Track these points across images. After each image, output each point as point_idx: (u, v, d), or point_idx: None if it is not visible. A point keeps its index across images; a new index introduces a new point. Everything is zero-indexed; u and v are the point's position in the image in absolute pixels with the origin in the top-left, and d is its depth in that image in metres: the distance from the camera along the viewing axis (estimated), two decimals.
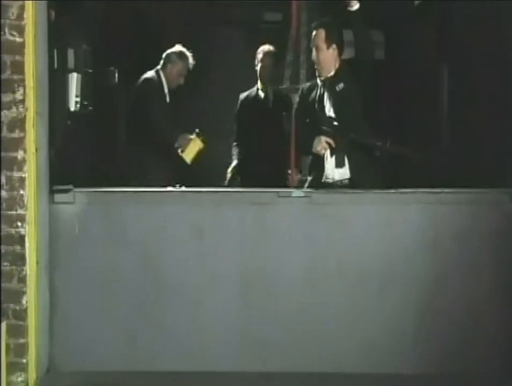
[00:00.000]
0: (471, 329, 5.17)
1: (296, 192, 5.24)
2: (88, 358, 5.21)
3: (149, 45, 9.52)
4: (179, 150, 6.41)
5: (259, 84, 6.87)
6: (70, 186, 5.12)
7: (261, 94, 6.87)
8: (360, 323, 5.19)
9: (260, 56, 6.79)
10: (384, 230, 5.19)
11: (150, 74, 6.59)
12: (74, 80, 5.84)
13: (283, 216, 5.20)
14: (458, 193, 5.27)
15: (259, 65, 6.79)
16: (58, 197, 5.11)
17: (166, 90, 6.60)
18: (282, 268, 5.17)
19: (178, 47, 6.68)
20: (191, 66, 6.66)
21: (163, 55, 6.68)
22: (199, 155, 6.46)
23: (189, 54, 6.66)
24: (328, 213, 5.21)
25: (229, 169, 6.89)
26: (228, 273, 5.17)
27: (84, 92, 6.08)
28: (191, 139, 6.41)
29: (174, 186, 5.49)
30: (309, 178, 5.61)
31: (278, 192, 5.24)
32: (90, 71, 6.25)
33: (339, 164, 5.50)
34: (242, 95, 6.96)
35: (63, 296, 5.15)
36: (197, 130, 6.44)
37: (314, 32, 5.57)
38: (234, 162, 6.89)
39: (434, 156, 7.10)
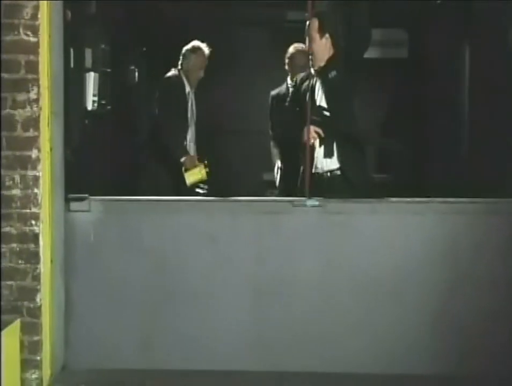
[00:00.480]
0: (485, 341, 5.11)
1: (310, 201, 5.20)
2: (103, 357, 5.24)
3: (171, 44, 9.62)
4: (183, 168, 6.37)
5: (289, 82, 6.83)
6: (86, 195, 5.15)
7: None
8: (374, 330, 5.16)
9: (290, 53, 6.72)
10: (399, 239, 5.15)
11: (171, 73, 6.58)
12: (91, 79, 5.87)
13: (297, 225, 5.18)
14: (473, 203, 5.21)
15: (289, 62, 6.74)
16: (73, 205, 5.14)
17: (187, 89, 6.57)
18: (296, 276, 5.16)
19: (192, 43, 6.64)
20: (207, 58, 6.62)
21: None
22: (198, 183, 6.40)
23: (203, 46, 6.62)
24: (342, 222, 5.18)
25: (276, 170, 6.84)
26: (242, 281, 5.18)
27: (102, 91, 6.10)
28: (197, 166, 6.35)
29: (201, 188, 5.52)
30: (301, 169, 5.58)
31: (292, 201, 5.22)
32: (108, 70, 6.25)
33: (328, 154, 5.47)
34: (273, 93, 6.90)
35: (78, 302, 5.18)
36: (205, 161, 6.38)
37: (307, 22, 5.51)
38: (278, 163, 6.80)
39: (452, 164, 7.08)
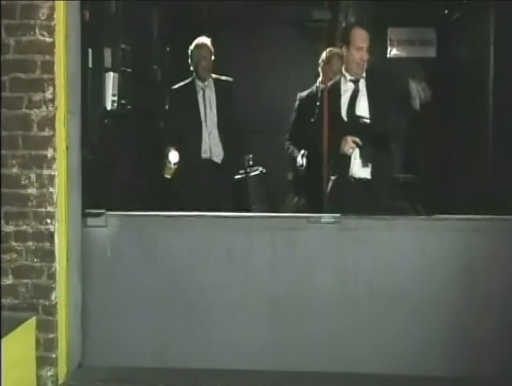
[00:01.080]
0: (506, 361, 5.04)
1: (326, 218, 5.18)
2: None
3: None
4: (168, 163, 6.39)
5: (320, 85, 6.78)
6: (102, 210, 5.19)
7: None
8: (390, 347, 5.12)
9: (325, 57, 6.68)
10: (415, 257, 5.11)
11: (181, 84, 6.65)
12: (110, 79, 5.90)
13: (313, 242, 5.17)
14: (491, 220, 5.18)
15: (323, 65, 6.68)
16: (90, 221, 5.19)
17: (198, 87, 6.58)
18: (312, 292, 5.15)
19: (195, 41, 6.62)
20: (211, 49, 6.57)
21: None
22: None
23: (204, 41, 6.57)
24: (358, 238, 5.15)
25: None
26: (258, 296, 5.18)
27: (122, 91, 6.13)
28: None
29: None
30: (332, 178, 5.57)
31: (308, 217, 5.21)
32: (129, 70, 6.28)
33: (365, 164, 5.47)
34: (302, 94, 6.85)
35: (96, 315, 5.23)
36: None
37: (358, 32, 5.48)
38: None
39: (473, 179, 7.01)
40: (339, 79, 5.57)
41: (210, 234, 5.19)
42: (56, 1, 4.83)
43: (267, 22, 9.60)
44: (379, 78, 5.52)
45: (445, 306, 5.09)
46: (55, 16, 4.80)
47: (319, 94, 6.43)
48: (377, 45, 9.44)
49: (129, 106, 6.32)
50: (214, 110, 6.53)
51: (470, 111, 8.13)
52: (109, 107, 5.94)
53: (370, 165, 5.49)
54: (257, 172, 7.42)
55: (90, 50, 5.55)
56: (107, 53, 5.95)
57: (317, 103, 6.15)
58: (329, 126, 5.54)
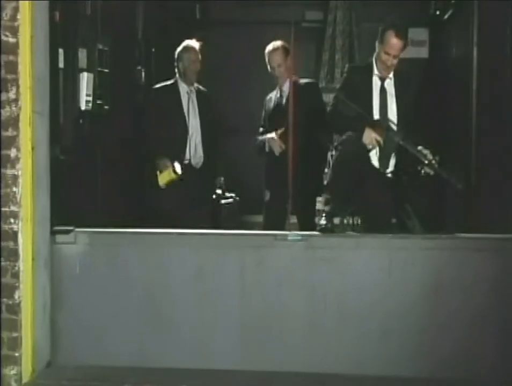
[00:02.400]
0: (473, 379, 5.03)
1: (292, 236, 5.20)
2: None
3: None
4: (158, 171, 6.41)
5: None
6: (71, 227, 5.23)
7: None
8: (359, 366, 5.12)
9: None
10: (383, 275, 5.11)
11: (163, 83, 6.64)
12: (84, 79, 5.90)
13: (280, 259, 5.18)
14: (460, 239, 5.23)
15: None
16: (59, 238, 5.23)
17: (184, 90, 6.58)
18: (280, 311, 5.17)
19: (183, 44, 6.64)
20: (199, 52, 6.58)
21: None
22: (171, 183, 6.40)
23: (194, 44, 6.57)
24: (325, 257, 5.16)
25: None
26: (227, 313, 5.20)
27: (99, 91, 6.13)
28: (168, 167, 6.36)
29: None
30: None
31: (275, 235, 5.22)
32: (106, 70, 6.29)
33: (382, 167, 5.46)
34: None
35: (65, 333, 5.27)
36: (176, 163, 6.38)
37: (397, 40, 5.44)
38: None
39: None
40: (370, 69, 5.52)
41: (179, 250, 5.23)
42: (21, 2, 4.84)
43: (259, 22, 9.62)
44: (407, 83, 5.58)
45: (413, 325, 5.09)
46: (18, 17, 4.83)
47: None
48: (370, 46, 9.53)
49: (106, 107, 6.29)
50: (198, 117, 6.56)
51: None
52: (83, 107, 5.92)
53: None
54: (230, 200, 7.40)
55: (62, 51, 5.56)
56: (82, 53, 5.93)
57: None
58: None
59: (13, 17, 4.81)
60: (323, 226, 5.34)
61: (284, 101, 6.34)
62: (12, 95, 4.83)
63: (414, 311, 5.07)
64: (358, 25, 9.28)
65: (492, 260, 5.05)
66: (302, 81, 6.43)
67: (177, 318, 5.22)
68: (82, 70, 5.95)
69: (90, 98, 6.01)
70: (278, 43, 6.52)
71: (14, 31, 4.82)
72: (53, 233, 5.20)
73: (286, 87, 6.37)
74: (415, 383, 5.04)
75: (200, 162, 6.56)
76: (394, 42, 5.39)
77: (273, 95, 6.57)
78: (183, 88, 6.60)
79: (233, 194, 7.69)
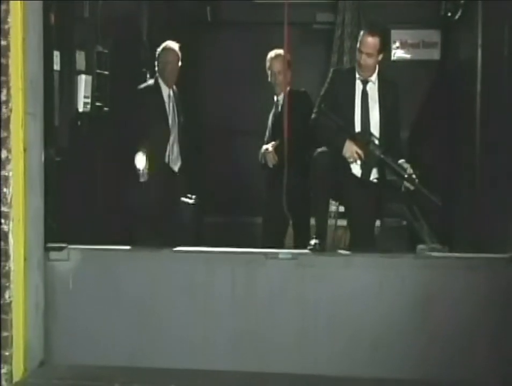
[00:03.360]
0: None
1: (283, 254, 5.23)
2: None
3: (192, 47, 9.70)
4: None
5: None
6: (64, 245, 5.31)
7: None
8: (350, 383, 5.08)
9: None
10: (372, 293, 5.11)
11: (145, 84, 6.63)
12: (82, 81, 5.96)
13: (271, 277, 5.20)
14: (449, 258, 5.23)
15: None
16: (52, 255, 5.30)
17: (165, 92, 6.52)
18: (271, 328, 5.18)
19: (162, 44, 6.57)
20: (178, 54, 6.52)
21: None
22: None
23: (173, 45, 6.51)
24: (316, 275, 5.17)
25: None
26: (218, 330, 5.23)
27: (98, 93, 6.18)
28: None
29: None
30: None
31: (266, 253, 5.26)
32: (106, 72, 6.34)
33: (364, 175, 5.45)
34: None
35: (59, 350, 5.33)
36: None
37: (367, 38, 5.43)
38: None
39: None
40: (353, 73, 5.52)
41: (170, 267, 5.29)
42: (12, 4, 4.89)
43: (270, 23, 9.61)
44: (390, 88, 5.52)
45: (403, 343, 5.08)
46: (9, 19, 4.87)
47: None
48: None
49: (106, 109, 6.34)
50: (181, 118, 6.54)
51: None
52: (81, 109, 5.97)
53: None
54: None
55: (58, 53, 5.62)
56: (80, 56, 5.99)
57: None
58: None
59: (4, 20, 4.87)
60: (313, 245, 5.34)
61: (279, 111, 6.29)
62: (2, 96, 4.88)
63: (404, 329, 5.07)
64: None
65: (481, 279, 5.03)
66: (294, 90, 6.36)
67: (169, 334, 5.26)
68: (80, 72, 6.00)
69: (88, 100, 6.05)
70: (280, 51, 6.46)
71: (5, 34, 4.87)
72: (46, 250, 5.29)
73: (281, 96, 6.32)
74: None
75: (178, 165, 6.52)
76: (367, 39, 5.40)
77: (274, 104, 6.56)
78: (164, 89, 6.55)
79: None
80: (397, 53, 9.84)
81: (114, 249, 5.39)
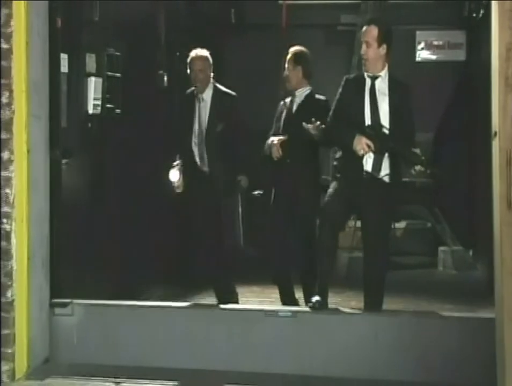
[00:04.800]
0: None
1: (283, 312, 5.29)
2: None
3: (216, 49, 9.75)
4: None
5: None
6: (69, 300, 5.44)
7: None
8: None
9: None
10: (371, 351, 5.10)
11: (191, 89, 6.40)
12: (92, 83, 6.04)
13: (269, 335, 5.23)
14: (446, 318, 5.26)
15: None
16: (57, 310, 5.43)
17: (198, 97, 6.25)
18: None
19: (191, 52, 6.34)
20: (206, 59, 6.24)
21: None
22: None
23: (201, 53, 6.25)
24: (314, 333, 5.20)
25: None
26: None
27: (109, 95, 6.27)
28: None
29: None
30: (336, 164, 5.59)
31: (264, 311, 5.33)
32: (117, 75, 6.42)
33: (375, 170, 5.44)
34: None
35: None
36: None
37: (364, 28, 5.48)
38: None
39: None
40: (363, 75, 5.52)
41: (171, 323, 5.38)
42: (15, 9, 4.99)
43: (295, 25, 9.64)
44: (400, 86, 5.50)
45: None
46: (11, 23, 4.97)
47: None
48: (400, 49, 9.44)
49: (118, 111, 6.42)
50: (205, 123, 6.22)
51: None
52: (91, 111, 6.06)
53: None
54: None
55: (66, 56, 5.70)
56: (90, 58, 6.08)
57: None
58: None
59: (6, 24, 4.96)
60: (314, 303, 5.36)
61: (294, 108, 6.24)
62: (4, 99, 4.98)
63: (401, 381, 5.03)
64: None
65: (476, 340, 4.95)
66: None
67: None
68: (90, 74, 6.08)
69: (99, 102, 6.13)
70: (296, 48, 6.41)
71: (7, 38, 4.96)
72: (51, 306, 5.42)
73: (298, 92, 6.29)
74: None
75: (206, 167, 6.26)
76: (364, 29, 5.42)
77: (287, 100, 6.48)
78: (197, 94, 6.32)
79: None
80: (422, 54, 9.81)
81: (116, 304, 5.57)
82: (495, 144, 4.35)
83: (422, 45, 9.82)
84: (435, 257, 8.97)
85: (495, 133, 4.33)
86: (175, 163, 6.13)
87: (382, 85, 5.43)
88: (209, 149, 6.16)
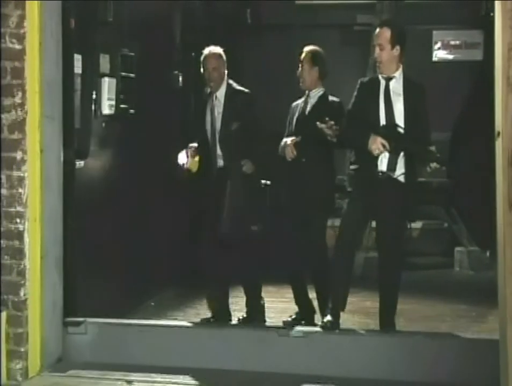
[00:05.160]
0: None
1: (295, 332, 5.33)
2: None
3: (232, 49, 9.76)
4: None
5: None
6: (82, 319, 5.51)
7: None
8: None
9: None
10: (382, 370, 5.11)
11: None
12: (106, 84, 6.08)
13: (281, 353, 5.26)
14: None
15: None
16: (71, 329, 5.49)
17: (211, 96, 6.18)
18: None
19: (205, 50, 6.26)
20: (219, 57, 6.15)
21: None
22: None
23: (214, 51, 6.17)
24: (326, 353, 5.22)
25: None
26: None
27: (123, 96, 6.31)
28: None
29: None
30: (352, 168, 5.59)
31: (277, 329, 5.39)
32: (131, 75, 6.45)
33: (390, 168, 5.43)
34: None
35: None
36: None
37: (377, 31, 5.50)
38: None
39: None
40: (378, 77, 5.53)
41: (183, 343, 5.42)
42: (28, 10, 5.03)
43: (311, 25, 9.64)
44: (415, 87, 5.50)
45: None
46: (24, 24, 5.01)
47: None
48: (417, 49, 9.41)
49: (132, 111, 6.45)
50: (219, 122, 6.13)
51: None
52: (105, 111, 6.10)
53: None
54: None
55: (80, 56, 5.74)
56: (104, 59, 6.11)
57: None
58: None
59: (19, 25, 5.01)
60: (325, 323, 5.38)
61: (307, 109, 6.18)
62: (17, 99, 5.03)
63: None
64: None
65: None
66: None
67: None
68: (104, 75, 6.12)
69: (113, 103, 6.17)
70: (312, 48, 6.35)
71: (20, 38, 5.01)
72: (65, 325, 5.48)
73: (313, 94, 6.26)
74: None
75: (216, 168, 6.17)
76: (377, 31, 5.45)
77: (300, 101, 6.45)
78: (211, 93, 6.23)
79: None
80: (439, 54, 9.77)
81: (128, 323, 5.64)
82: (498, 144, 4.34)
83: (439, 45, 9.77)
84: (451, 257, 8.91)
85: (498, 133, 4.34)
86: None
87: (396, 86, 5.43)
88: (224, 148, 6.10)
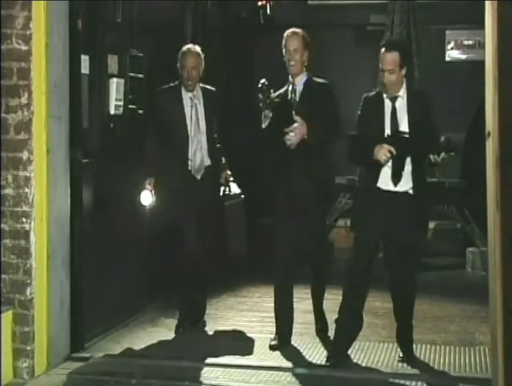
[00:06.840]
0: None
1: (300, 370, 5.36)
2: None
3: (245, 49, 9.79)
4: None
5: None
6: (89, 355, 5.56)
7: None
8: None
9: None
10: None
11: (166, 85, 6.21)
12: (114, 84, 6.11)
13: None
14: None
15: None
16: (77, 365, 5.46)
17: (186, 95, 6.12)
18: None
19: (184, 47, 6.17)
20: (199, 57, 6.09)
21: None
22: None
23: (192, 47, 6.13)
24: None
25: None
26: None
27: (131, 96, 6.34)
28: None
29: None
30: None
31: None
32: (140, 75, 6.48)
33: (395, 176, 5.40)
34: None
35: None
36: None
37: (386, 55, 5.32)
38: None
39: None
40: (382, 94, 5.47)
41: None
42: (35, 11, 5.08)
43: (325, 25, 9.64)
44: (417, 97, 5.47)
45: None
46: (31, 25, 5.06)
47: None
48: (429, 48, 9.40)
49: (141, 111, 6.48)
50: (204, 122, 6.12)
51: None
52: (113, 112, 6.13)
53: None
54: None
55: (87, 57, 5.77)
56: (113, 59, 6.14)
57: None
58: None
59: (25, 26, 5.05)
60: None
61: (296, 97, 5.82)
62: (24, 100, 5.07)
63: None
64: (416, 27, 9.17)
65: None
66: (317, 80, 5.89)
67: None
68: (112, 75, 6.15)
69: (121, 103, 6.20)
70: (299, 30, 6.08)
71: (26, 40, 5.05)
72: (72, 360, 5.48)
73: (298, 81, 5.84)
74: None
75: (202, 170, 6.15)
76: (385, 56, 5.31)
77: (282, 91, 5.91)
78: (185, 93, 6.13)
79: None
80: (452, 54, 9.74)
81: (134, 362, 5.58)
82: (488, 144, 4.34)
83: (452, 44, 9.74)
84: (463, 258, 8.87)
85: (489, 133, 4.33)
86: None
87: (402, 104, 5.37)
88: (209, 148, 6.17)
